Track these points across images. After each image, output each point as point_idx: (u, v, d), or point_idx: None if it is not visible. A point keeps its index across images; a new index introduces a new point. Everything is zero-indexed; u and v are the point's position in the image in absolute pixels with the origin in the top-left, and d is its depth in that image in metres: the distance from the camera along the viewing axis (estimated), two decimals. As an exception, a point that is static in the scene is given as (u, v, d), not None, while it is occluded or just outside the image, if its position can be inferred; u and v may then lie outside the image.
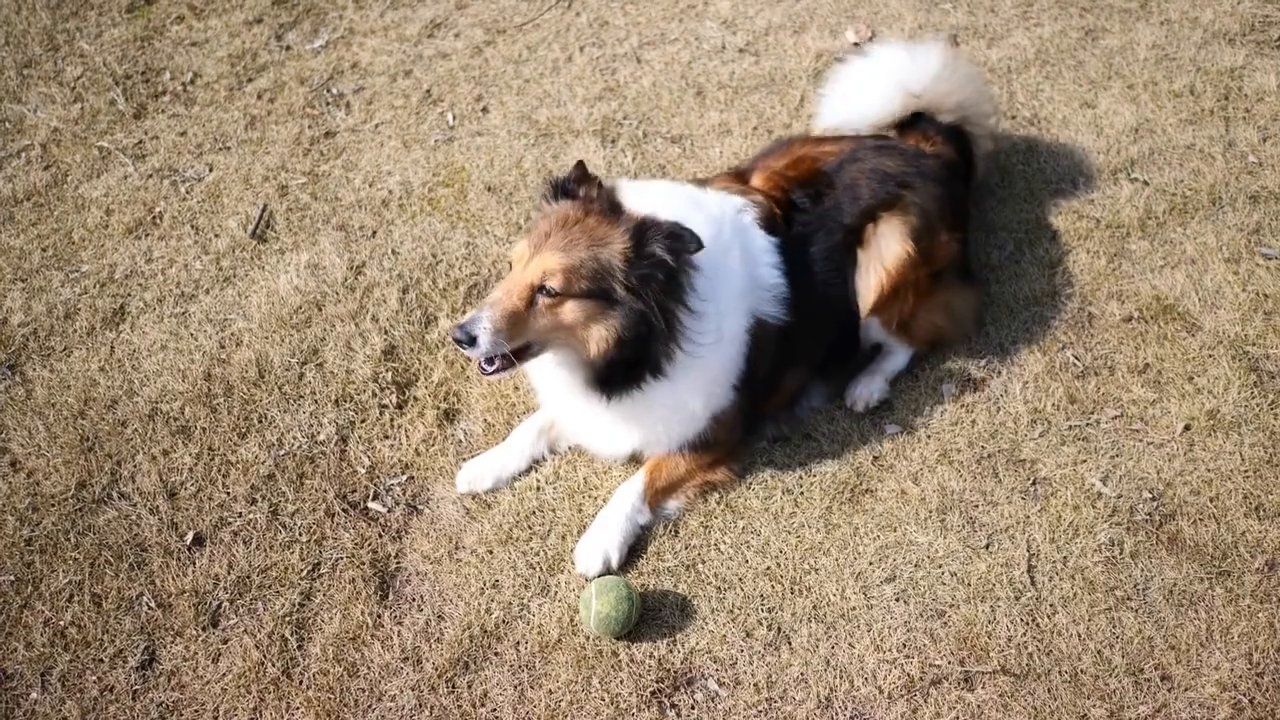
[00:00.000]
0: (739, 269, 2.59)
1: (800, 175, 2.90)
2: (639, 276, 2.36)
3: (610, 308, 2.38)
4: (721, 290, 2.53)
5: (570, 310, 2.37)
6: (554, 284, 2.33)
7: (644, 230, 2.37)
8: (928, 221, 2.89)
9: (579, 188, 2.47)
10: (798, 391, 2.94)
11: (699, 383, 2.60)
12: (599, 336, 2.41)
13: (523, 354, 2.42)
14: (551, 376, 2.57)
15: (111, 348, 3.22)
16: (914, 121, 3.27)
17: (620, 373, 2.48)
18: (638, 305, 2.37)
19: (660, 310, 2.40)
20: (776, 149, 3.10)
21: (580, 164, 2.54)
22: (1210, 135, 3.63)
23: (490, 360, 2.41)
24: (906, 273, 2.85)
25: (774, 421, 2.92)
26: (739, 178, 2.93)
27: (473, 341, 2.33)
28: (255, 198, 3.67)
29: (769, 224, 2.74)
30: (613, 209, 2.44)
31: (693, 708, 2.42)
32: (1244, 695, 2.38)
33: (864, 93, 3.26)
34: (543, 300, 2.35)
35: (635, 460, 2.82)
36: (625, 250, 2.36)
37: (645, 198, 2.53)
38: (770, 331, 2.67)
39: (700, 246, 2.38)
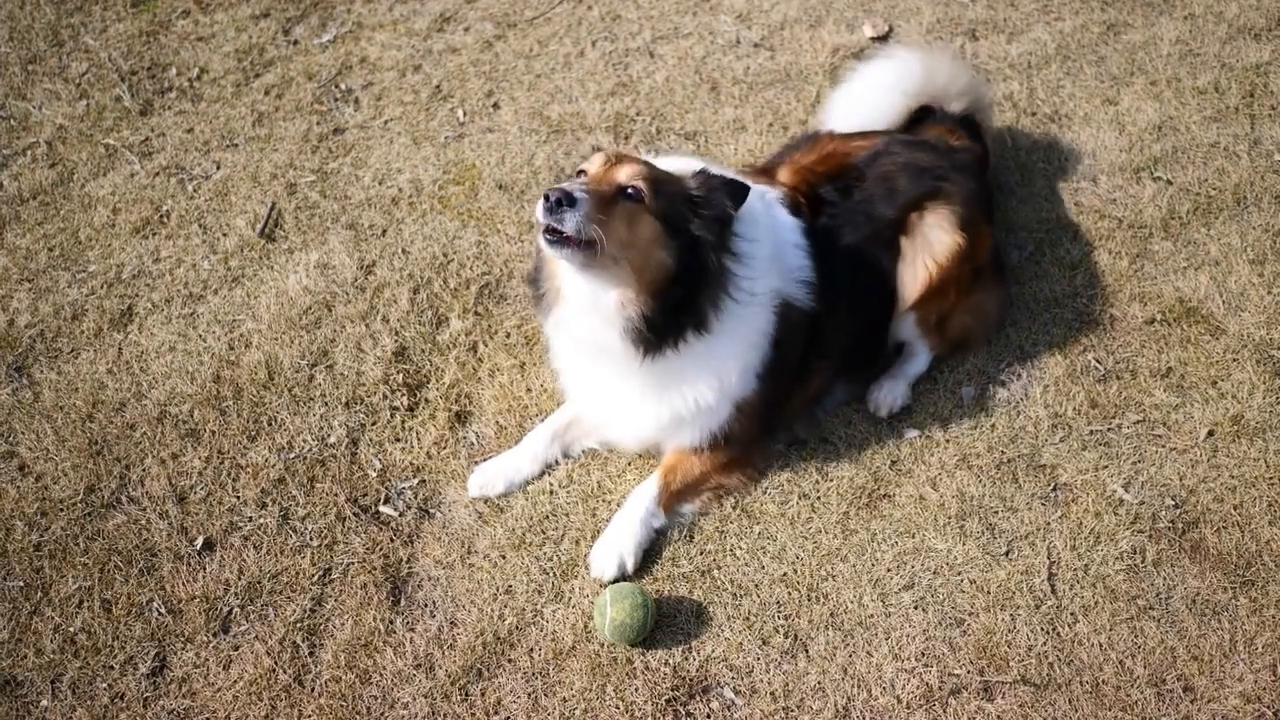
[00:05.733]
0: (768, 236, 2.61)
1: (829, 170, 2.87)
2: (704, 217, 2.44)
3: (673, 238, 2.40)
4: (756, 248, 2.56)
5: (645, 226, 2.36)
6: (640, 186, 2.35)
7: (708, 177, 2.47)
8: (972, 212, 2.86)
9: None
10: (823, 388, 2.89)
11: (732, 347, 2.56)
12: (659, 262, 2.39)
13: (589, 249, 2.29)
14: (585, 334, 2.48)
15: (119, 349, 3.19)
16: (924, 118, 3.21)
17: (665, 319, 2.42)
18: (700, 237, 2.42)
19: (714, 252, 2.46)
20: (805, 143, 3.05)
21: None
22: (1235, 133, 3.56)
23: (562, 237, 2.27)
24: (956, 265, 2.81)
25: (792, 425, 2.87)
26: (765, 173, 2.89)
27: (572, 203, 2.22)
28: (264, 196, 3.63)
29: (794, 209, 2.74)
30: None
31: (709, 716, 2.39)
32: (1268, 708, 2.34)
33: (867, 106, 3.22)
34: (623, 205, 2.34)
35: (653, 456, 2.79)
36: (692, 191, 2.45)
37: (678, 165, 2.58)
38: (797, 316, 2.63)
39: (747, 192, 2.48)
